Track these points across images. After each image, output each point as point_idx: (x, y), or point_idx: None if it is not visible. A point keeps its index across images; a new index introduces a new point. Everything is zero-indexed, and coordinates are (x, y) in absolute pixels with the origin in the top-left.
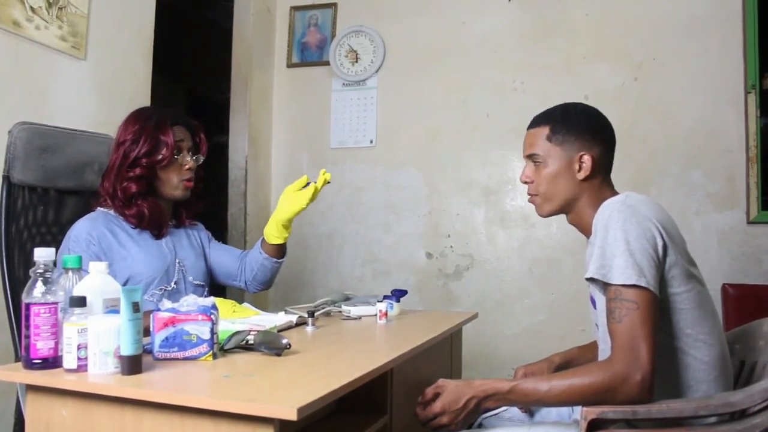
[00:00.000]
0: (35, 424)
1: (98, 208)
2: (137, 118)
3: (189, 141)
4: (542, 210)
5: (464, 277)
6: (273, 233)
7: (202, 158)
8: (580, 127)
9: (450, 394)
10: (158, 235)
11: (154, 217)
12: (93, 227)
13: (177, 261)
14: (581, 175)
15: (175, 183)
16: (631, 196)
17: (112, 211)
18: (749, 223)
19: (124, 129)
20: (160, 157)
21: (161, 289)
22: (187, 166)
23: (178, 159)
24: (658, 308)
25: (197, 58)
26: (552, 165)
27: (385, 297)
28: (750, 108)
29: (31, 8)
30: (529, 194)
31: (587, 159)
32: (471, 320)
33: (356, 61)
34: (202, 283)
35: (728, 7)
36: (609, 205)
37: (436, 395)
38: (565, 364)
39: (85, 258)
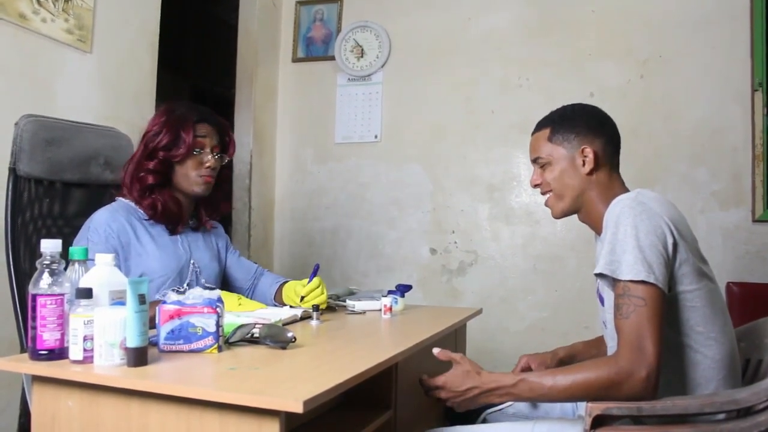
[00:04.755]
0: (41, 416)
1: (119, 198)
2: (165, 110)
3: (214, 139)
4: (556, 209)
5: (468, 273)
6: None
7: (227, 158)
8: (580, 123)
9: (456, 375)
10: (174, 230)
11: (168, 210)
12: (114, 219)
13: (192, 262)
14: (586, 169)
15: (193, 178)
16: (643, 193)
17: (132, 203)
18: (754, 221)
19: (152, 120)
20: (176, 152)
21: (173, 290)
22: (207, 164)
23: (197, 156)
24: (668, 305)
25: (202, 53)
26: (557, 164)
27: (390, 292)
28: (756, 106)
29: (38, 1)
30: (542, 194)
31: (589, 152)
32: (475, 316)
33: (361, 57)
34: (213, 287)
35: (736, 4)
36: (620, 201)
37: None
38: (569, 358)
39: (102, 250)
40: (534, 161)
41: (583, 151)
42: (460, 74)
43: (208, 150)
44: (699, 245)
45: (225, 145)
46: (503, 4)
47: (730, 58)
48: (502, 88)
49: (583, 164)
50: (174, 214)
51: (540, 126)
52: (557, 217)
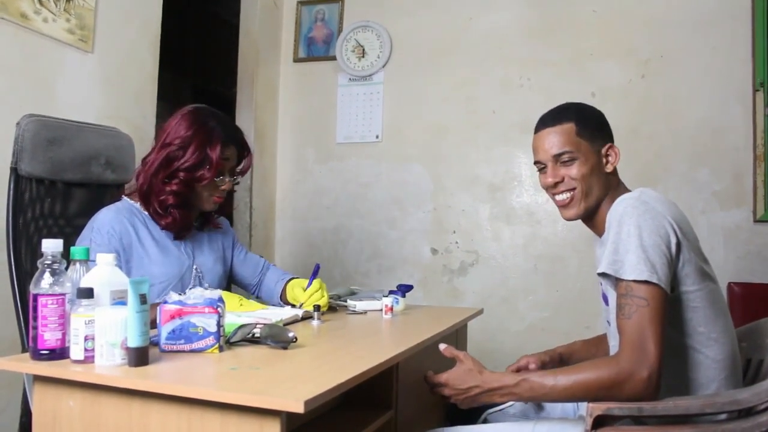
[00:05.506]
0: (42, 415)
1: (124, 197)
2: (192, 121)
3: (234, 160)
4: (578, 209)
5: (469, 273)
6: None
7: (239, 179)
8: (601, 121)
9: (458, 374)
10: (179, 236)
11: (184, 224)
12: (117, 220)
13: (194, 267)
14: (609, 168)
15: (205, 197)
16: (646, 192)
17: (138, 204)
18: (756, 221)
19: (175, 127)
20: (200, 174)
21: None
22: (223, 187)
23: (216, 181)
24: (670, 306)
25: (203, 53)
26: (586, 160)
27: (391, 292)
28: (758, 106)
29: (39, 1)
30: (556, 194)
31: (615, 151)
32: (476, 316)
33: (363, 57)
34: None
35: (737, 3)
36: (623, 200)
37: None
38: (568, 356)
39: (104, 251)
40: (557, 156)
41: (609, 148)
42: (461, 74)
43: (226, 172)
44: (701, 245)
45: (240, 161)
46: (504, 4)
47: (731, 58)
48: (503, 87)
49: (607, 162)
50: (187, 226)
51: (559, 120)
52: (573, 218)
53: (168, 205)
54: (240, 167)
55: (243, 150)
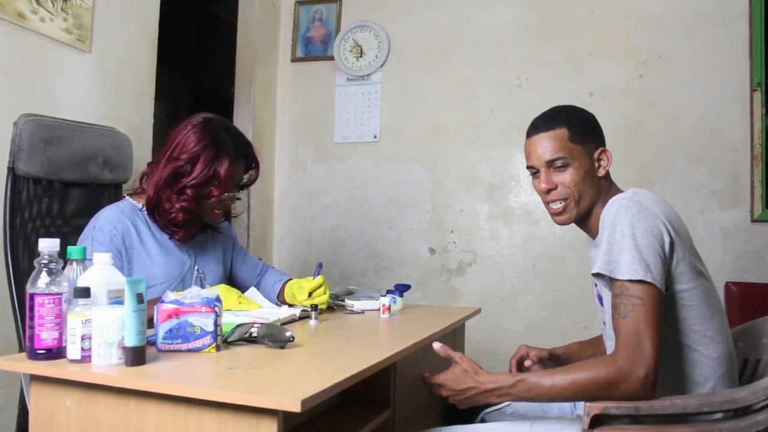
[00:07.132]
0: (39, 415)
1: (127, 196)
2: (202, 134)
3: (240, 177)
4: (570, 215)
5: (467, 272)
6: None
7: (241, 193)
8: (594, 124)
9: (454, 375)
10: (183, 240)
11: (189, 235)
12: (119, 220)
13: (196, 268)
14: (602, 172)
15: (208, 211)
16: (639, 192)
17: (140, 204)
18: (753, 221)
19: (183, 140)
20: (208, 191)
21: None
22: (227, 202)
23: (222, 197)
24: (665, 304)
25: (201, 53)
26: (579, 165)
27: (389, 291)
28: (755, 106)
29: (36, 0)
30: (550, 201)
31: (608, 155)
32: (474, 315)
33: (361, 56)
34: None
35: (735, 3)
36: (616, 201)
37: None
38: (566, 357)
39: (106, 250)
40: (549, 162)
41: (602, 152)
42: (459, 74)
43: (233, 188)
44: (698, 245)
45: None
46: (503, 4)
47: (729, 57)
48: (502, 87)
49: (599, 167)
50: (193, 237)
51: (552, 125)
52: (566, 223)
53: (177, 222)
54: (245, 180)
55: (251, 163)
